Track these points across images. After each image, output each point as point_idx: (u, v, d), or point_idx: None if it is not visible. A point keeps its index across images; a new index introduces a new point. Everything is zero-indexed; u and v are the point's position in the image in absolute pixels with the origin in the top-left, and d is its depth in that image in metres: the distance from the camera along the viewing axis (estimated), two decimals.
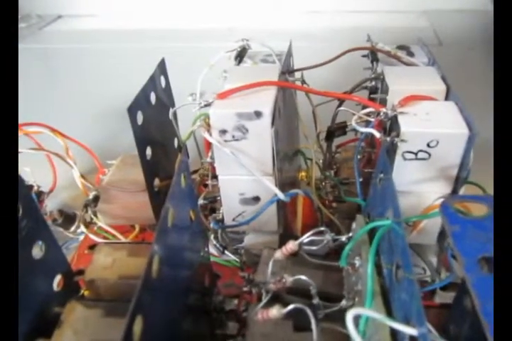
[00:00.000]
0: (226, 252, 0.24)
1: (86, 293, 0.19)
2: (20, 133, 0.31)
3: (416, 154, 0.19)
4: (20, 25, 0.76)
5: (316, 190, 0.27)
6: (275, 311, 0.13)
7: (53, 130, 0.32)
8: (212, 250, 0.24)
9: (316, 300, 0.14)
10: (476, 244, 0.13)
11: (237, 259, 0.24)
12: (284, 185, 0.23)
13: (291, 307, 0.13)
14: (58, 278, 0.19)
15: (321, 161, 0.28)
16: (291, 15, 0.70)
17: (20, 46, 0.69)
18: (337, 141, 0.27)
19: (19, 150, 0.30)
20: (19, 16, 0.79)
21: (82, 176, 0.32)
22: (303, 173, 0.30)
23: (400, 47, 0.26)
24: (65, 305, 0.18)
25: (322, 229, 0.16)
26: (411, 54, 0.25)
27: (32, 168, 0.32)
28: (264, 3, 0.72)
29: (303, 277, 0.14)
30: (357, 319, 0.13)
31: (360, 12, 0.70)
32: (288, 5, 0.71)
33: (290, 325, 0.14)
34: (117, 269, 0.19)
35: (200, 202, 0.24)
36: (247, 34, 0.31)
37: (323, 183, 0.26)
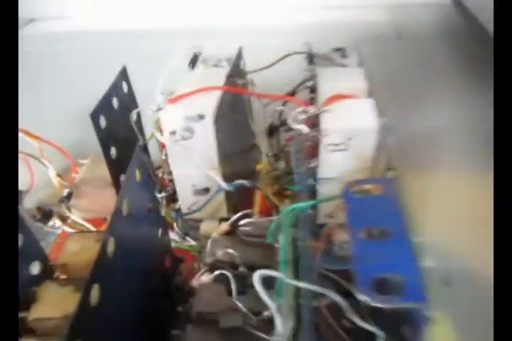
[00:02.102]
0: (187, 238, 0.27)
1: (58, 275, 0.22)
2: None
3: (337, 146, 0.22)
4: None
5: (275, 180, 0.30)
6: (204, 277, 0.16)
7: (27, 133, 0.35)
8: (174, 237, 0.27)
9: (241, 269, 0.17)
10: (362, 217, 0.17)
11: (197, 244, 0.27)
12: (235, 176, 0.26)
13: (216, 273, 0.16)
14: (36, 264, 0.22)
15: (271, 154, 0.31)
16: (253, 11, 0.73)
17: None
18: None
19: None
20: None
21: (59, 175, 0.34)
22: (261, 165, 0.33)
23: (337, 50, 0.29)
24: (41, 285, 0.21)
25: (248, 211, 0.19)
26: (344, 56, 0.28)
27: None
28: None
29: (229, 250, 0.17)
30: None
31: (326, 7, 0.73)
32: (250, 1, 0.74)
33: (223, 289, 0.17)
34: (85, 254, 0.22)
35: (162, 194, 0.27)
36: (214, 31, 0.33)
37: (271, 174, 0.29)
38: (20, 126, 0.34)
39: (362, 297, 0.14)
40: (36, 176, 0.36)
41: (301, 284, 0.15)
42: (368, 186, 0.18)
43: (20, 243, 0.22)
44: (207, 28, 0.68)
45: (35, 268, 0.23)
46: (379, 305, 0.14)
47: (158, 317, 0.22)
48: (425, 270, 0.15)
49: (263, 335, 0.16)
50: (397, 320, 0.16)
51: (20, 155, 0.34)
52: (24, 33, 0.77)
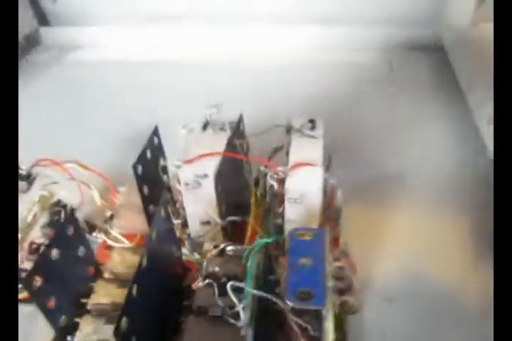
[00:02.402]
0: (194, 253, 0.38)
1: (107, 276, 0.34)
2: (59, 168, 0.46)
3: (295, 200, 0.33)
4: (43, 55, 0.91)
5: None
6: (201, 283, 0.28)
7: (81, 165, 0.47)
8: (185, 251, 0.38)
9: (223, 279, 0.28)
10: (298, 253, 0.27)
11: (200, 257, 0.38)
12: (233, 210, 0.38)
13: (206, 281, 0.27)
14: (91, 267, 0.34)
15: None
16: (264, 51, 0.84)
17: (43, 76, 0.83)
18: None
19: (57, 180, 0.45)
20: (40, 47, 0.93)
21: (101, 196, 0.46)
22: (253, 200, 0.44)
23: (310, 121, 0.40)
24: (96, 282, 0.32)
25: (228, 243, 0.31)
26: (314, 127, 0.39)
27: (66, 192, 0.46)
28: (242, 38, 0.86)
29: (216, 268, 0.29)
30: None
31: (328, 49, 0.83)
32: (261, 42, 0.85)
33: (212, 291, 0.29)
34: (124, 263, 0.34)
35: (178, 221, 0.39)
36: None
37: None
38: (73, 158, 0.46)
39: (290, 302, 0.25)
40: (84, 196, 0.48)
41: (256, 292, 0.26)
42: (305, 231, 0.29)
43: (81, 253, 0.33)
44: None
45: (91, 270, 0.34)
46: (296, 306, 0.25)
47: (171, 308, 0.33)
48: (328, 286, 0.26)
49: (234, 321, 0.27)
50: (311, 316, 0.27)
51: (76, 182, 0.46)
52: (71, 60, 0.89)
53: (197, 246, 0.39)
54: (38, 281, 0.27)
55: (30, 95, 0.77)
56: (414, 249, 0.43)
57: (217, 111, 0.41)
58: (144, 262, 0.29)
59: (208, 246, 0.36)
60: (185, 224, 0.39)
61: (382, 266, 0.41)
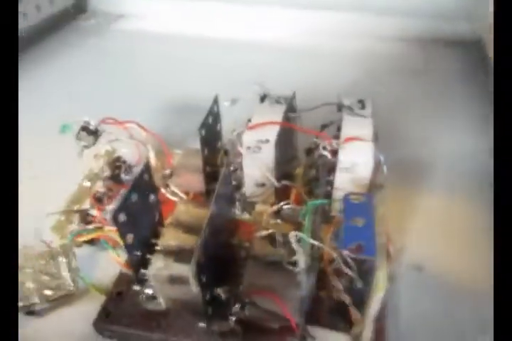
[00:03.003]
0: (245, 213, 0.42)
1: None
2: (121, 127, 0.50)
3: (346, 169, 0.37)
4: (90, 21, 0.94)
5: (306, 183, 0.45)
6: (261, 233, 0.32)
7: (139, 126, 0.51)
8: (237, 211, 0.42)
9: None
10: (351, 212, 0.31)
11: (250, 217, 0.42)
12: (282, 177, 0.42)
13: (267, 232, 0.32)
14: (157, 214, 0.38)
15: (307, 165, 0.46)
16: (302, 36, 0.86)
17: (89, 42, 0.87)
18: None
19: (120, 138, 0.49)
20: (87, 13, 0.96)
21: (155, 157, 0.50)
22: (298, 171, 0.48)
23: (359, 101, 0.43)
24: (165, 226, 0.36)
25: (288, 201, 0.35)
26: (363, 106, 0.43)
27: (126, 150, 0.50)
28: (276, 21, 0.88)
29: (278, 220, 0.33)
30: None
31: (366, 37, 0.85)
32: (300, 26, 0.87)
33: (269, 242, 0.33)
34: (188, 213, 0.38)
35: (233, 183, 0.43)
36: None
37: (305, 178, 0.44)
38: (132, 119, 0.50)
39: (344, 251, 0.29)
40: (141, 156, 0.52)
41: (314, 242, 0.30)
42: (357, 196, 0.33)
43: (151, 200, 0.37)
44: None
45: (157, 216, 0.38)
46: (352, 256, 0.29)
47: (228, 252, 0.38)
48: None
49: (291, 268, 0.31)
50: (365, 269, 0.30)
51: (133, 141, 0.50)
52: (115, 28, 0.92)
53: (247, 206, 0.43)
54: (122, 218, 0.31)
55: (81, 57, 0.80)
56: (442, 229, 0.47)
57: (231, 105, 0.45)
58: (214, 209, 0.33)
59: (260, 207, 0.40)
60: (237, 187, 0.43)
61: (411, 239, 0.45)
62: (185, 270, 0.30)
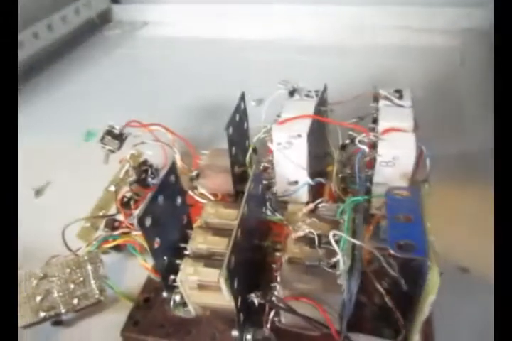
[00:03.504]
0: (276, 214, 0.40)
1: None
2: (146, 130, 0.48)
3: (387, 163, 0.34)
4: (116, 31, 0.94)
5: (341, 180, 0.42)
6: (296, 234, 0.29)
7: (165, 128, 0.49)
8: (268, 212, 0.40)
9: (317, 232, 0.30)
10: (395, 209, 0.28)
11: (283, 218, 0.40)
12: (315, 174, 0.39)
13: (307, 231, 0.29)
14: (185, 217, 0.36)
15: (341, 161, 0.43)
16: (327, 30, 0.83)
17: (117, 51, 0.87)
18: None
19: (145, 140, 0.47)
20: (112, 23, 0.97)
21: (182, 159, 0.48)
22: (331, 168, 0.45)
23: (396, 91, 0.40)
24: (194, 229, 0.34)
25: (324, 199, 0.32)
26: (401, 97, 0.39)
27: (152, 153, 0.49)
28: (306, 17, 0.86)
29: (314, 219, 0.30)
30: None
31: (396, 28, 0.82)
32: (325, 19, 0.85)
33: (304, 243, 0.30)
34: (217, 215, 0.36)
35: (264, 182, 0.40)
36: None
37: (339, 175, 0.41)
38: (159, 122, 0.49)
39: (391, 251, 0.26)
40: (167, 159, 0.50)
41: (356, 241, 0.27)
42: (401, 191, 0.30)
43: (178, 202, 0.35)
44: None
45: (185, 219, 0.36)
46: (401, 255, 0.26)
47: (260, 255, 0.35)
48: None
49: (331, 270, 0.29)
50: (412, 270, 0.27)
51: (159, 143, 0.48)
52: (138, 36, 0.92)
53: (279, 207, 0.40)
54: (148, 221, 0.29)
55: (110, 66, 0.80)
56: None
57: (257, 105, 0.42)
58: (246, 209, 0.31)
59: (293, 206, 0.37)
60: (268, 186, 0.41)
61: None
62: (216, 275, 0.27)
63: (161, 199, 0.31)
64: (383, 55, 0.76)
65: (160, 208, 0.31)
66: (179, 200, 0.35)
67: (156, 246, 0.31)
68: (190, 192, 0.42)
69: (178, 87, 0.72)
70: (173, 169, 0.33)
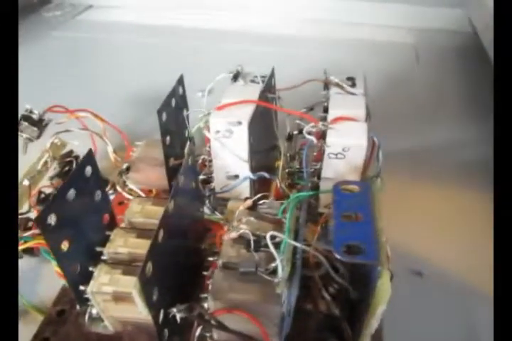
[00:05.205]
0: (215, 212, 0.36)
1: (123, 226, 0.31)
2: (72, 117, 0.43)
3: (336, 155, 0.30)
4: (55, 12, 0.87)
5: (288, 175, 0.38)
6: (230, 235, 0.25)
7: (95, 115, 0.44)
8: (206, 210, 0.35)
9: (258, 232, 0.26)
10: (343, 206, 0.25)
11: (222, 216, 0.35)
12: (259, 168, 0.35)
13: (241, 231, 0.25)
14: (107, 215, 0.31)
15: (289, 155, 0.39)
16: (287, 23, 0.81)
17: (55, 33, 0.80)
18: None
19: (71, 128, 0.41)
20: (52, 4, 0.90)
21: (114, 151, 0.43)
22: (279, 162, 0.41)
23: (348, 79, 0.37)
24: (113, 230, 0.29)
25: (265, 194, 0.28)
26: (354, 85, 0.36)
27: (79, 143, 0.43)
28: (267, 10, 0.83)
29: (251, 218, 0.26)
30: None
31: (353, 24, 0.80)
32: (286, 13, 0.82)
33: (242, 246, 0.26)
34: (143, 213, 0.31)
35: (201, 176, 0.36)
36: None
37: (286, 170, 0.38)
38: (88, 108, 0.43)
39: (336, 254, 0.23)
40: (98, 150, 0.44)
41: (297, 243, 0.24)
42: (350, 186, 0.26)
43: (98, 197, 0.30)
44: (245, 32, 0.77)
45: (106, 218, 0.31)
46: (346, 260, 0.22)
47: (192, 265, 0.31)
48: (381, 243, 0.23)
49: (269, 278, 0.25)
50: (361, 276, 0.24)
51: (87, 132, 0.43)
52: (83, 19, 0.85)
53: (218, 204, 0.36)
54: (52, 220, 0.24)
55: (43, 49, 0.73)
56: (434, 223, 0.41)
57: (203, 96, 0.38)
58: (171, 207, 0.26)
59: (234, 202, 0.33)
60: (207, 181, 0.37)
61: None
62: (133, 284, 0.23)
63: (71, 194, 0.26)
64: (340, 48, 0.73)
65: (70, 205, 0.26)
66: (98, 196, 0.29)
67: (63, 249, 0.26)
68: (119, 188, 0.37)
69: (120, 74, 0.66)
70: (88, 159, 0.28)
